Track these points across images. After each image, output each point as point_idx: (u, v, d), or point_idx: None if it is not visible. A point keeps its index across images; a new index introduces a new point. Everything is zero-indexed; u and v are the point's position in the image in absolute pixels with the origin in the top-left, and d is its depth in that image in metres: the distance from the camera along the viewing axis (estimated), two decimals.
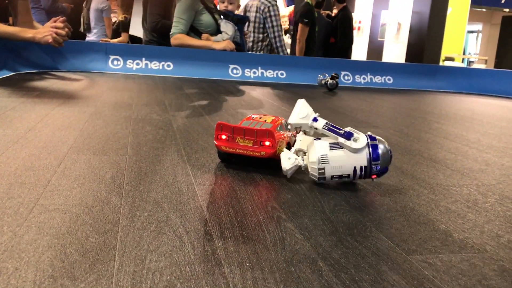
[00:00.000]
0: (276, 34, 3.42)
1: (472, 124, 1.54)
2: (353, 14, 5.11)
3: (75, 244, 0.47)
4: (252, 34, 3.50)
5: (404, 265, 0.48)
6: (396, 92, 2.56)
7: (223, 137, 0.77)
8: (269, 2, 3.42)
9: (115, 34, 4.30)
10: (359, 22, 8.19)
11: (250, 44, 3.53)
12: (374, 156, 0.70)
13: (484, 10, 10.50)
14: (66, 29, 2.05)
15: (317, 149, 0.71)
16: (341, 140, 0.71)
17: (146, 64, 2.50)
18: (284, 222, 0.57)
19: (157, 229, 0.52)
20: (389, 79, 2.81)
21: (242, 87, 2.20)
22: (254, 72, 2.62)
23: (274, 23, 3.42)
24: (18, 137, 0.89)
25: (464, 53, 9.25)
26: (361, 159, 0.70)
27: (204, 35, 2.74)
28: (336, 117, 1.48)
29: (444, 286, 0.45)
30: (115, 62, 2.46)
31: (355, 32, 5.78)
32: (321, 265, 0.47)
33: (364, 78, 2.76)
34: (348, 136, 0.71)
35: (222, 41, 2.67)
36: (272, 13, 3.40)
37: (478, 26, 12.15)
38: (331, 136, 0.73)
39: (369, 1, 8.08)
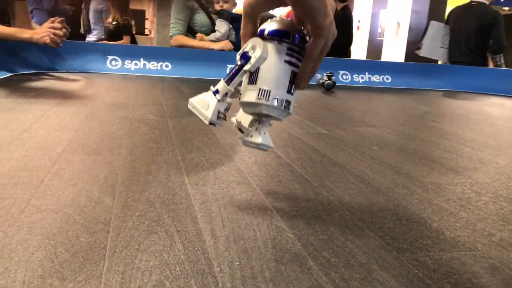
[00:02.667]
0: None
1: (468, 123, 1.54)
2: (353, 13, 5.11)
3: (65, 244, 0.47)
4: None
5: (395, 263, 0.48)
6: (394, 91, 2.56)
7: None
8: None
9: (113, 37, 4.23)
10: (359, 21, 8.19)
11: None
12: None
13: None
14: (64, 30, 2.05)
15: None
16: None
17: (144, 65, 2.50)
18: (275, 221, 0.57)
19: (148, 229, 0.52)
20: (387, 78, 2.81)
21: (239, 88, 2.20)
22: None
23: None
24: (13, 137, 0.89)
25: None
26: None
27: (199, 35, 2.74)
28: (332, 116, 1.48)
29: (434, 285, 0.45)
30: (113, 63, 2.46)
31: (354, 32, 5.78)
32: (311, 264, 0.47)
33: (362, 77, 2.76)
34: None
35: (221, 41, 2.67)
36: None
37: None
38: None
39: (368, 0, 8.08)
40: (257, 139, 0.57)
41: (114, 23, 4.20)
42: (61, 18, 2.09)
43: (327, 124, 1.30)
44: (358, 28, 8.17)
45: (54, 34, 2.01)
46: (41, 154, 0.79)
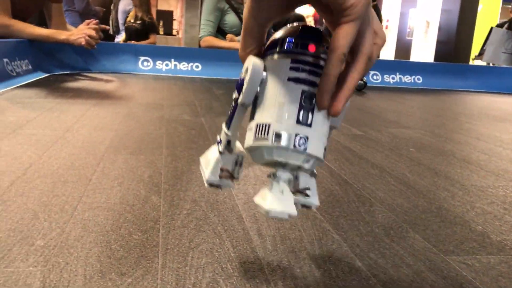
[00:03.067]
0: None
1: (505, 125, 1.51)
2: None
3: (119, 241, 0.49)
4: None
5: (442, 265, 0.49)
6: (425, 92, 2.53)
7: None
8: None
9: (139, 36, 4.25)
10: (387, 21, 8.11)
11: None
12: None
13: None
14: (100, 33, 2.10)
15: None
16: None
17: (175, 65, 2.53)
18: (319, 222, 0.58)
19: (196, 227, 0.54)
20: (418, 79, 2.78)
21: None
22: None
23: None
24: (57, 137, 0.92)
25: None
26: None
27: (228, 36, 2.76)
28: (366, 117, 1.47)
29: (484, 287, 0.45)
30: (145, 63, 2.50)
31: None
32: (358, 265, 0.47)
33: (393, 78, 2.73)
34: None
35: None
36: None
37: None
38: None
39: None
40: (265, 201, 0.37)
41: (139, 22, 4.25)
42: (96, 21, 2.14)
43: (361, 125, 1.30)
44: (386, 27, 8.08)
45: (89, 36, 2.07)
46: (86, 153, 0.82)
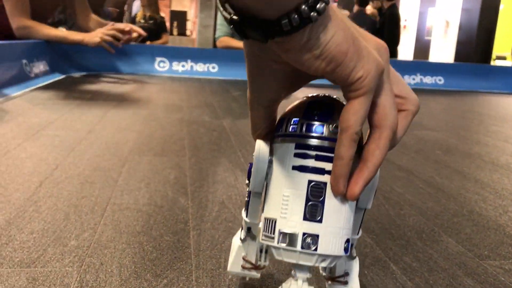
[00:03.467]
0: None
1: None
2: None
3: (151, 242, 0.50)
4: None
5: (479, 270, 0.48)
6: (447, 93, 2.51)
7: None
8: None
9: (151, 36, 4.25)
10: (405, 20, 8.06)
11: None
12: None
13: None
14: (119, 35, 2.13)
15: None
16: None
17: (192, 66, 2.55)
18: None
19: (226, 229, 0.54)
20: (440, 80, 2.76)
21: None
22: None
23: None
24: (80, 138, 0.94)
25: None
26: None
27: None
28: None
29: None
30: (161, 64, 2.52)
31: (401, 31, 5.70)
32: (393, 268, 0.48)
33: (413, 79, 2.72)
34: None
35: None
36: None
37: None
38: None
39: None
40: None
41: (151, 21, 4.27)
42: (112, 24, 2.17)
43: None
44: (404, 27, 8.03)
45: (109, 35, 2.10)
46: (110, 155, 0.83)
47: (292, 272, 0.33)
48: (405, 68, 2.75)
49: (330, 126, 0.32)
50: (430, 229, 0.59)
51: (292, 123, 0.33)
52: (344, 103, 0.31)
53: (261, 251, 0.39)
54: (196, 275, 0.44)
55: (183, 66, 2.54)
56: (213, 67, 2.55)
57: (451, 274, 0.47)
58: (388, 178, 0.80)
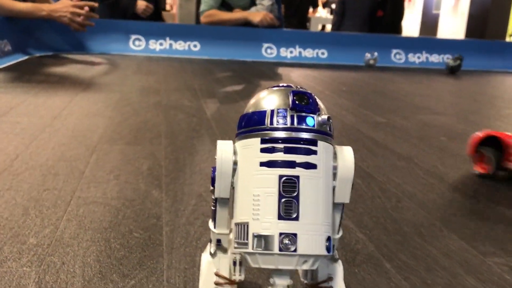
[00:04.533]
0: None
1: None
2: None
3: (119, 239, 0.50)
4: None
5: (482, 268, 0.49)
6: (457, 73, 2.52)
7: None
8: None
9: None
10: None
11: None
12: None
13: None
14: (87, 8, 2.08)
15: None
16: None
17: (171, 45, 2.53)
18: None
19: (203, 225, 0.55)
20: (448, 58, 2.76)
21: (278, 69, 2.22)
22: (291, 52, 2.62)
23: None
24: (45, 125, 0.93)
25: None
26: None
27: (236, 11, 2.75)
28: (389, 102, 1.47)
29: None
30: (137, 43, 2.50)
31: (406, 4, 5.70)
32: (387, 267, 0.48)
33: (418, 57, 2.73)
34: None
35: (259, 12, 2.66)
36: None
37: None
38: None
39: None
40: None
41: None
42: None
43: (385, 111, 1.30)
44: (410, 0, 8.03)
45: (74, 13, 2.06)
46: (77, 143, 0.83)
47: (271, 280, 0.33)
48: (410, 45, 2.76)
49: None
50: (430, 223, 0.59)
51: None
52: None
53: (234, 263, 0.37)
54: (167, 275, 0.44)
55: (161, 44, 2.52)
56: (195, 46, 2.53)
57: (452, 273, 0.48)
58: (385, 167, 0.80)
